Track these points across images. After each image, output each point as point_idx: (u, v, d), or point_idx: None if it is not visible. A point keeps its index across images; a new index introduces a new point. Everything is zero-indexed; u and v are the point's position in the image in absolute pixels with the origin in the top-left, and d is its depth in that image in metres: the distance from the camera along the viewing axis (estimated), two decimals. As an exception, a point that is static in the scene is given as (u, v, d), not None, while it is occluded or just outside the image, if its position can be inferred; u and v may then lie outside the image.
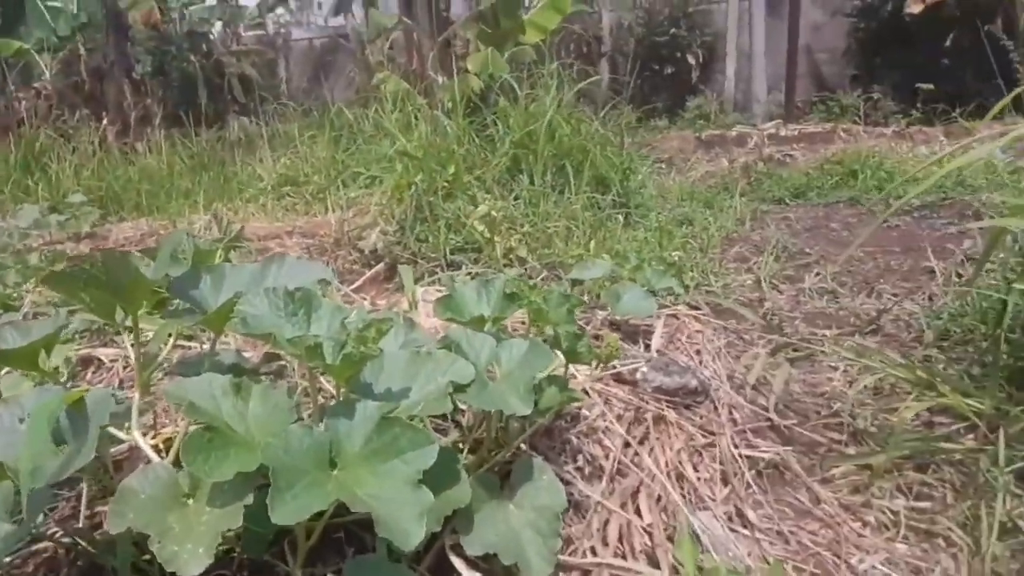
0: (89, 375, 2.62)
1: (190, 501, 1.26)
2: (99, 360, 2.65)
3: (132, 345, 1.61)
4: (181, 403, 1.27)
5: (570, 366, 1.82)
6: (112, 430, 1.53)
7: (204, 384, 1.32)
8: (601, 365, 1.76)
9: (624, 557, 1.64)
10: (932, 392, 2.45)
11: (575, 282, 3.29)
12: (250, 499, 1.21)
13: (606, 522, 1.74)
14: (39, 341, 1.48)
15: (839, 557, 1.88)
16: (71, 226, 4.88)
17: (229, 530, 1.19)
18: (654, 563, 1.66)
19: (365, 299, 3.76)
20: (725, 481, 2.15)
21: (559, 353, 1.72)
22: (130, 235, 4.81)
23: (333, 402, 1.36)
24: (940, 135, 7.49)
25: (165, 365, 1.87)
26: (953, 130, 7.55)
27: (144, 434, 1.59)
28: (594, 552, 1.61)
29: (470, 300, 1.78)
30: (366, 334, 1.30)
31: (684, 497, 2.04)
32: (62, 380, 2.08)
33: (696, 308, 3.25)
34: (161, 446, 1.58)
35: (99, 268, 1.41)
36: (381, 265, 3.99)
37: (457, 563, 1.45)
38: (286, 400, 1.32)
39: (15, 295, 3.13)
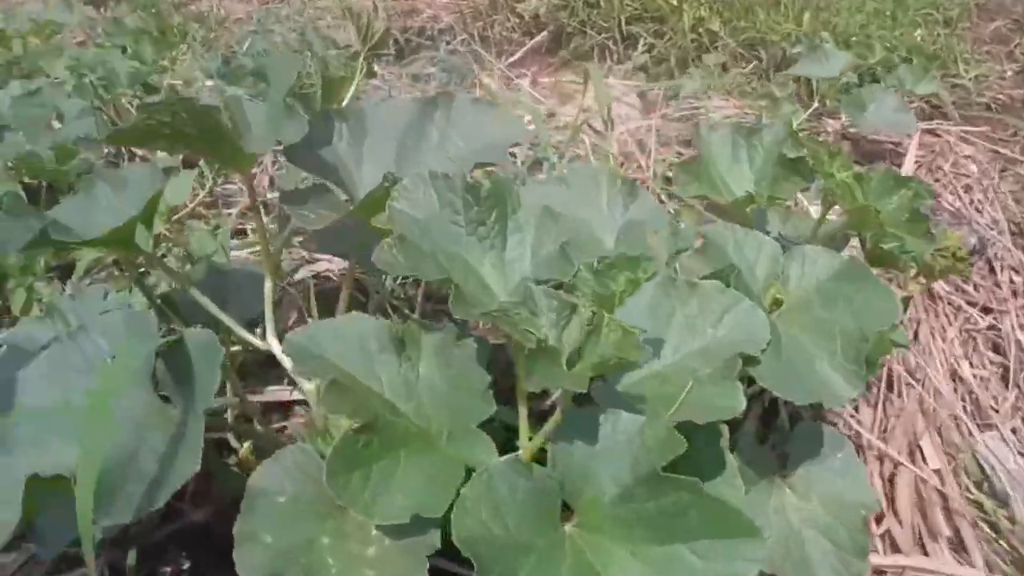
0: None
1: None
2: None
3: (255, 220, 1.07)
4: (315, 370, 0.75)
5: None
6: (242, 332, 1.06)
7: (349, 335, 0.77)
8: (926, 281, 1.08)
9: (922, 544, 1.09)
10: None
11: (794, 78, 2.43)
12: (436, 540, 0.71)
13: (891, 477, 1.18)
14: (132, 221, 0.95)
15: None
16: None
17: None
18: (960, 547, 1.11)
19: (526, 75, 3.03)
20: (1008, 381, 1.51)
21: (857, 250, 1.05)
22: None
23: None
24: None
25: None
26: None
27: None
28: (892, 542, 1.06)
29: (722, 159, 1.09)
30: (608, 282, 0.68)
31: (963, 405, 1.43)
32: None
33: (947, 118, 2.34)
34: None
35: (183, 122, 0.83)
36: (544, 34, 3.17)
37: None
38: (478, 370, 0.76)
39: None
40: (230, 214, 1.92)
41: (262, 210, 1.99)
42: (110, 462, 0.72)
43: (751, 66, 2.66)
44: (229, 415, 1.07)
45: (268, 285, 1.06)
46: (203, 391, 0.75)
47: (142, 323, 0.82)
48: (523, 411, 0.76)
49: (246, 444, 1.05)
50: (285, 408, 1.20)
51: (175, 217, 1.84)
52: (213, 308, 1.05)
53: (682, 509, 0.62)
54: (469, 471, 0.69)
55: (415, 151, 0.94)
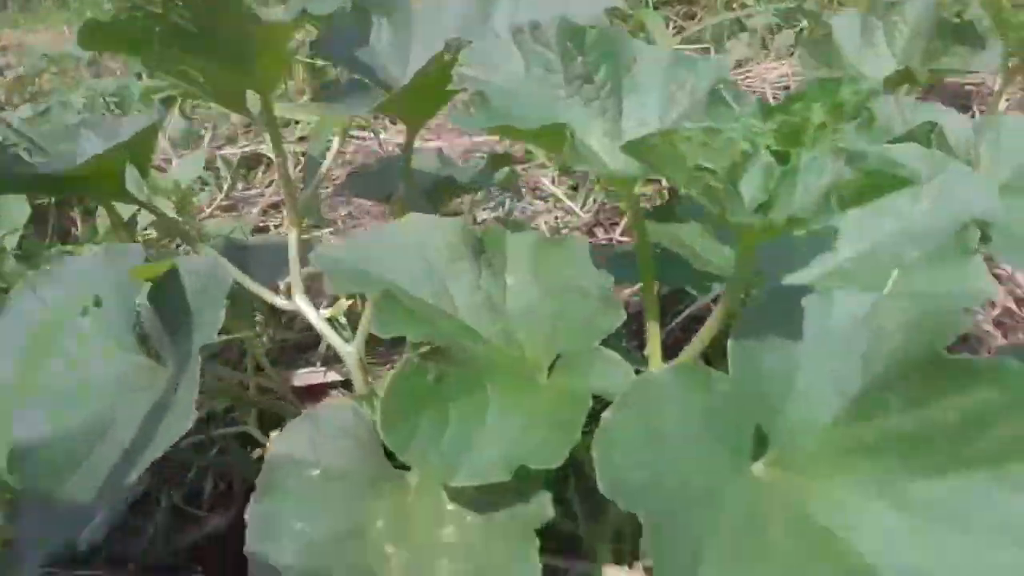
0: (259, 175, 1.99)
1: (410, 475, 0.55)
2: (268, 159, 2.01)
3: (274, 152, 0.87)
4: (355, 286, 0.52)
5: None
6: (264, 293, 0.84)
7: (406, 243, 0.55)
8: None
9: None
10: None
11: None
12: (547, 507, 0.47)
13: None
14: (117, 147, 0.74)
15: None
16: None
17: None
18: None
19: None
20: None
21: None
22: None
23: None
24: None
25: (334, 175, 1.12)
26: None
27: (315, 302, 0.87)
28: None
29: (850, 45, 0.86)
30: (794, 117, 0.45)
31: None
32: (196, 193, 1.40)
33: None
34: (344, 320, 0.87)
35: (179, 13, 0.63)
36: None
37: None
38: (592, 269, 0.53)
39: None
40: (251, 213, 1.74)
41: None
42: (72, 436, 0.50)
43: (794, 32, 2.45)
44: (252, 389, 0.85)
45: (293, 235, 0.84)
46: (203, 327, 0.52)
47: (126, 256, 0.60)
48: (653, 320, 0.53)
49: (273, 434, 0.83)
50: (318, 393, 0.98)
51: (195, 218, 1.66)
52: (232, 269, 0.84)
53: (979, 415, 0.37)
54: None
55: (478, 35, 0.72)
